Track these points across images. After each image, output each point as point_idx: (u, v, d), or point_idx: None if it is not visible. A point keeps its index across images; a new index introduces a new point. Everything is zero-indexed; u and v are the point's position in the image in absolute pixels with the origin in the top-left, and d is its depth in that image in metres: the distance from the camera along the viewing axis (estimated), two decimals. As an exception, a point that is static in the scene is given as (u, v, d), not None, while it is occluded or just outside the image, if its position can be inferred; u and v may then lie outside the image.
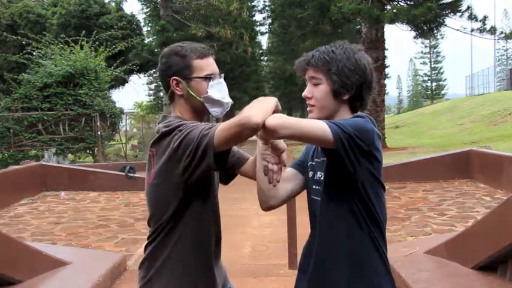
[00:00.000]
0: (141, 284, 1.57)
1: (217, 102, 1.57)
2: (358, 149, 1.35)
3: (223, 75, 1.63)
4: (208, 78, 1.56)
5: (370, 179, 1.44)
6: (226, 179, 1.76)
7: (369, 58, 1.51)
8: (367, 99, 1.52)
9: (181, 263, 1.53)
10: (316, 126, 1.34)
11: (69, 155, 14.82)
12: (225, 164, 1.49)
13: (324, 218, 1.51)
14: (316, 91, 1.49)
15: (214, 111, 1.59)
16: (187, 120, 1.55)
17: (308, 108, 1.54)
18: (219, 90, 1.57)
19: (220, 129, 1.36)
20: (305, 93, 1.51)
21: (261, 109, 1.35)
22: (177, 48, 1.57)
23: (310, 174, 1.61)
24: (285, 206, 4.40)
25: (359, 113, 1.50)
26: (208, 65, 1.58)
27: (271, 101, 1.40)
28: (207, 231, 1.57)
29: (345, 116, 1.50)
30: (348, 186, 1.43)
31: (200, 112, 1.60)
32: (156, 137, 1.50)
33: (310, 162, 1.62)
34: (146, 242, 1.60)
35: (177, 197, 1.48)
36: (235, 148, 1.73)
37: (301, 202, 1.82)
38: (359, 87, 1.48)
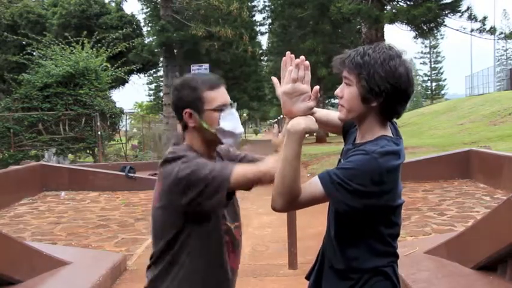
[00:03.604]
0: None
1: (229, 133, 1.58)
2: (351, 190, 1.32)
3: (235, 104, 1.65)
4: (219, 109, 1.56)
5: (376, 210, 1.41)
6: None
7: (409, 66, 1.41)
8: (399, 109, 1.44)
9: None
10: (308, 190, 1.36)
11: (69, 155, 14.81)
12: (229, 202, 1.53)
13: (331, 217, 1.54)
14: (346, 92, 1.43)
15: (227, 141, 1.60)
16: (198, 150, 1.58)
17: (338, 107, 1.51)
18: (230, 121, 1.58)
19: (240, 174, 1.43)
20: (337, 91, 1.48)
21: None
22: (188, 80, 1.59)
23: (339, 158, 1.61)
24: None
25: (367, 149, 1.36)
26: (219, 95, 1.57)
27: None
28: (213, 263, 1.57)
29: (373, 123, 1.45)
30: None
31: (213, 142, 1.62)
32: (162, 160, 1.54)
33: (343, 147, 1.61)
34: (149, 263, 1.62)
35: (179, 222, 1.51)
36: (245, 153, 1.82)
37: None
38: (390, 96, 1.38)
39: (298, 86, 1.34)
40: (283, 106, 1.37)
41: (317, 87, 1.37)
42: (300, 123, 1.33)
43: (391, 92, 1.38)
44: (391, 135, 1.46)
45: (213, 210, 1.50)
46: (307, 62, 1.32)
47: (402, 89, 1.38)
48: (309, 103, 1.35)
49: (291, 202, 1.35)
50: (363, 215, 1.39)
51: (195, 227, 1.52)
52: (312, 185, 1.36)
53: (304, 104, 1.35)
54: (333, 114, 1.71)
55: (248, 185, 1.46)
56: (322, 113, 1.70)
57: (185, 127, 1.62)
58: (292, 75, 1.33)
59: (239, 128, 1.61)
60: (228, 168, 1.44)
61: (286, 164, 1.33)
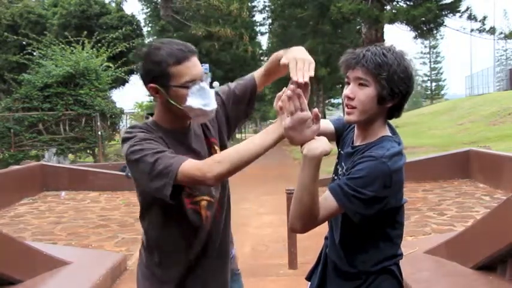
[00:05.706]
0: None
1: (198, 111, 1.45)
2: (365, 199, 1.32)
3: (209, 75, 1.56)
4: (187, 86, 1.42)
5: (385, 212, 1.41)
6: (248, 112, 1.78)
7: (412, 65, 1.43)
8: (403, 108, 1.45)
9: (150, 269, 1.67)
10: (323, 207, 1.35)
11: (70, 155, 14.81)
12: (179, 196, 1.45)
13: (335, 224, 1.54)
14: (361, 93, 1.38)
15: (198, 119, 1.52)
16: (165, 126, 1.51)
17: (347, 110, 1.42)
18: (199, 97, 1.43)
19: (183, 173, 1.35)
20: (347, 92, 1.40)
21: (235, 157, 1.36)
22: (153, 52, 1.43)
23: (335, 161, 1.60)
24: (284, 207, 4.40)
25: (375, 154, 1.35)
26: (188, 69, 1.41)
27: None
28: (173, 238, 1.59)
29: (379, 123, 1.44)
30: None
31: (183, 118, 1.51)
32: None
33: (340, 151, 1.60)
34: None
35: (142, 198, 1.59)
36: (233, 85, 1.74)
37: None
38: (404, 96, 1.40)
39: (297, 116, 1.26)
40: (291, 141, 1.30)
41: (315, 109, 1.30)
42: (317, 147, 1.28)
43: (405, 92, 1.39)
44: (390, 134, 1.46)
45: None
46: (299, 90, 1.25)
47: (412, 90, 1.41)
48: (314, 127, 1.29)
49: (310, 223, 1.35)
50: (373, 220, 1.39)
51: (155, 202, 1.52)
52: (327, 201, 1.35)
53: (309, 130, 1.29)
54: (324, 123, 1.66)
55: (193, 183, 1.42)
56: None
57: (156, 101, 1.51)
58: (290, 109, 1.26)
59: (211, 105, 1.46)
60: (174, 165, 1.35)
61: (304, 190, 1.31)
